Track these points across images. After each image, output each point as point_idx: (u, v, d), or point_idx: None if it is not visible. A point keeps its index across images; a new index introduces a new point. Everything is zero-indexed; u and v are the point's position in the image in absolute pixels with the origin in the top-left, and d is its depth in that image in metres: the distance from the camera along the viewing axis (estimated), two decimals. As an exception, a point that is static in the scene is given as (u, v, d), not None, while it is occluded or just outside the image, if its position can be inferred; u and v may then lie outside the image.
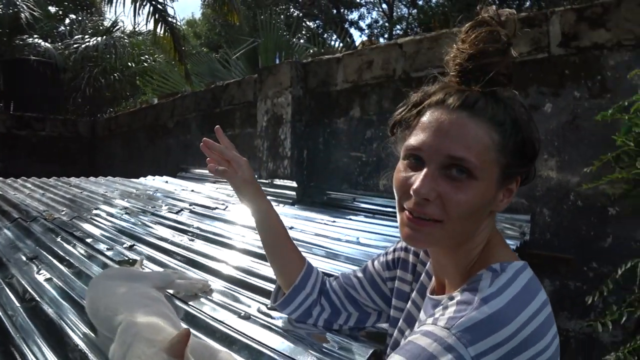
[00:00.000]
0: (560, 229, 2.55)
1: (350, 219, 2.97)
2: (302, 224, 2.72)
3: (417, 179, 0.77)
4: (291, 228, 2.55)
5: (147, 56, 10.02)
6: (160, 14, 6.94)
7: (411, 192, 0.78)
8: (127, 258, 1.80)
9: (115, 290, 1.13)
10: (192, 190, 4.03)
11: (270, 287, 1.50)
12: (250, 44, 7.41)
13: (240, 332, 1.14)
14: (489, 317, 0.69)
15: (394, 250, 1.14)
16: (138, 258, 1.80)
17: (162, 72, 8.40)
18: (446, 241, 0.82)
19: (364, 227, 2.76)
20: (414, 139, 0.81)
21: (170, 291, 1.40)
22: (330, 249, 2.14)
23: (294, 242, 1.22)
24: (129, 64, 9.60)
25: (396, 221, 2.74)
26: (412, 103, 0.87)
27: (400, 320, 1.05)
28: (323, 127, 3.68)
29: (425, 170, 0.77)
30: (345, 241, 2.33)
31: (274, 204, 3.40)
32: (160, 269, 1.69)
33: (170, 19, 7.04)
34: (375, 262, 1.17)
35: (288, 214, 3.05)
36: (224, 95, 4.75)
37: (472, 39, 0.80)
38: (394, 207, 2.83)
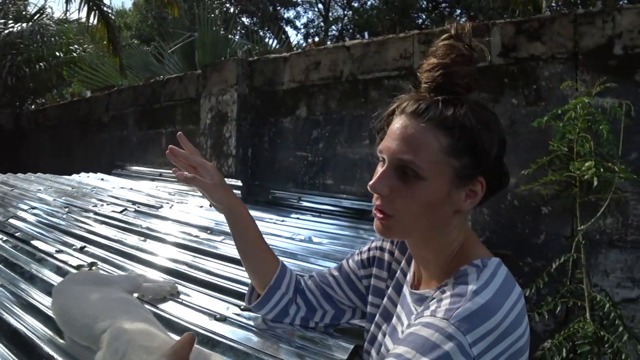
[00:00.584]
0: (499, 227, 2.72)
1: (298, 219, 3.00)
2: (252, 224, 2.72)
3: (375, 176, 0.89)
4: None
5: (76, 46, 9.50)
6: (95, 2, 6.62)
7: (368, 188, 0.90)
8: (85, 262, 1.74)
9: (88, 296, 1.10)
10: (132, 189, 3.91)
11: (236, 287, 1.51)
12: (187, 38, 7.26)
13: (220, 334, 1.15)
14: (481, 307, 0.76)
15: (369, 250, 1.20)
16: (92, 260, 1.75)
17: (92, 64, 8.01)
18: (408, 234, 0.94)
19: (312, 226, 2.81)
20: (382, 143, 0.92)
21: (136, 295, 1.38)
22: (285, 248, 2.16)
23: None
24: (57, 53, 9.06)
25: (342, 221, 2.80)
26: (387, 111, 0.97)
27: (377, 316, 1.11)
28: (269, 126, 3.68)
29: (382, 169, 0.89)
30: (298, 240, 2.36)
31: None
32: (121, 272, 1.65)
33: (105, 8, 6.74)
34: (350, 261, 1.22)
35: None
36: (164, 90, 4.63)
37: (435, 51, 0.91)
38: (340, 207, 2.91)
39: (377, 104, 3.10)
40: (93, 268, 1.68)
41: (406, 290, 1.05)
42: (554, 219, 2.58)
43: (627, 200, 2.38)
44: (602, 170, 2.19)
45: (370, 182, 0.89)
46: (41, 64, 8.77)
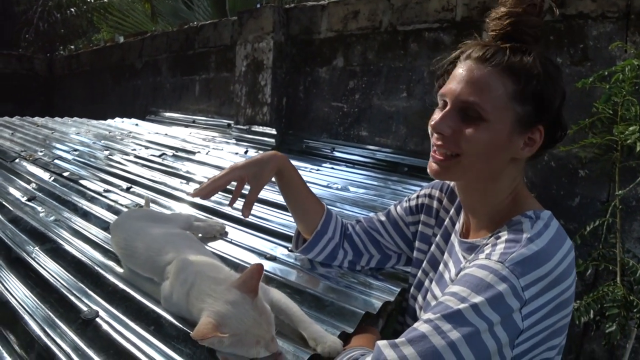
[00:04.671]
0: (533, 187, 2.71)
1: (332, 168, 3.03)
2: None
3: (437, 117, 0.91)
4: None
5: (108, -10, 9.43)
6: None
7: (430, 128, 0.93)
8: (132, 202, 1.80)
9: (149, 231, 1.16)
10: (166, 134, 3.97)
11: (282, 230, 1.56)
12: (218, -16, 7.14)
13: (272, 272, 1.21)
14: (535, 254, 0.80)
15: (417, 197, 1.23)
16: (142, 201, 1.81)
17: (122, 9, 7.96)
18: (465, 176, 0.95)
19: (346, 176, 2.83)
20: (444, 87, 0.94)
21: (188, 232, 1.43)
22: (320, 196, 2.19)
23: None
24: (88, -2, 9.04)
25: (377, 173, 2.80)
26: (450, 57, 0.98)
27: (424, 262, 1.16)
28: (304, 76, 3.66)
29: (444, 110, 0.91)
30: (335, 189, 2.39)
31: (252, 151, 3.41)
32: (167, 211, 1.71)
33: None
34: (398, 207, 1.26)
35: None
36: (198, 37, 4.60)
37: (506, 0, 0.91)
38: (373, 159, 2.91)
39: (416, 56, 3.05)
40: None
41: (454, 238, 1.08)
42: (591, 182, 2.56)
43: (668, 168, 2.34)
44: (646, 135, 2.15)
45: (432, 122, 0.92)
46: (72, 9, 8.75)
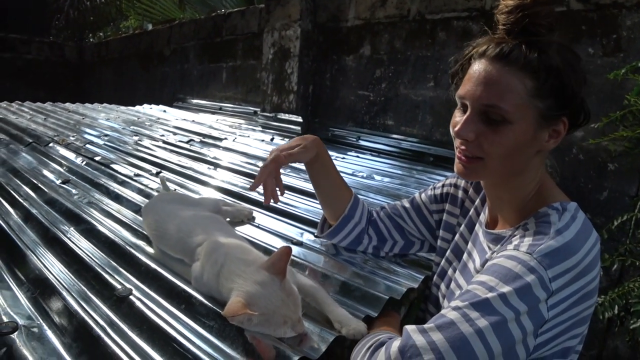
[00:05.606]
0: (561, 179, 2.67)
1: (357, 157, 3.04)
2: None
3: (459, 123, 0.89)
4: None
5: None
6: None
7: (452, 131, 0.91)
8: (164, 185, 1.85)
9: (179, 213, 1.20)
10: (194, 121, 4.02)
11: (308, 216, 1.59)
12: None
13: (298, 257, 1.23)
14: (563, 246, 0.80)
15: (443, 186, 1.24)
16: (172, 185, 1.86)
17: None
18: (492, 176, 0.94)
19: (371, 164, 2.84)
20: (462, 88, 0.91)
21: (217, 215, 1.46)
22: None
23: None
24: (118, -14, 9.16)
25: (402, 162, 2.80)
26: (465, 55, 0.95)
27: (448, 251, 1.17)
28: (331, 64, 3.66)
29: (466, 115, 0.89)
30: (360, 177, 2.41)
31: (278, 138, 3.43)
32: (195, 196, 1.75)
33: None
34: (423, 195, 1.27)
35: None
36: (226, 24, 4.64)
37: None
38: (399, 148, 2.90)
39: (444, 45, 3.03)
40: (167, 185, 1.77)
41: (479, 229, 1.08)
42: (620, 176, 2.51)
43: (700, 162, 2.29)
44: (678, 129, 2.10)
45: (455, 129, 0.90)
46: (102, -4, 8.89)
